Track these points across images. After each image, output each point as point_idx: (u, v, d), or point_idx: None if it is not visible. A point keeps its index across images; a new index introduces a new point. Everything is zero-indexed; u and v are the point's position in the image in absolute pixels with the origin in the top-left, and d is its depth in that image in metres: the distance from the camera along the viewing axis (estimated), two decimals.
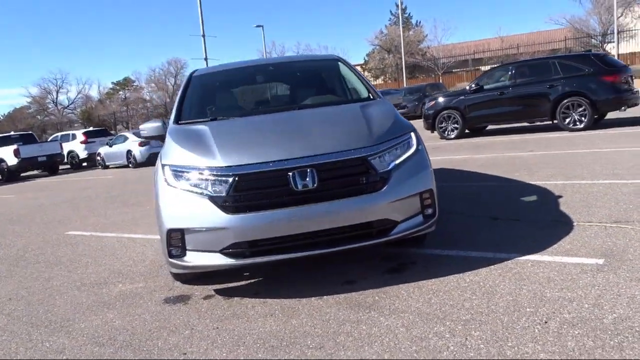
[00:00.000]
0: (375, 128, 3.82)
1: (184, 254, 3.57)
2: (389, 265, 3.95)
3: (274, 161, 3.47)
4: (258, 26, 39.51)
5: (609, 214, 4.62)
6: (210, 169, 3.52)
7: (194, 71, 5.25)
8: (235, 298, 3.66)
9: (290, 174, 3.41)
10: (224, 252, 3.46)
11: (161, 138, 4.75)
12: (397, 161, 3.65)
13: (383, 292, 3.44)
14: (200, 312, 3.48)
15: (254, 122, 4.20)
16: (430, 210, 3.74)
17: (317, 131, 3.83)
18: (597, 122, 11.87)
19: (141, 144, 18.64)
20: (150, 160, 18.57)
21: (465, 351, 2.54)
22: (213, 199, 3.43)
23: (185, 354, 2.89)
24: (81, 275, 4.78)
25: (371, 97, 4.65)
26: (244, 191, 3.42)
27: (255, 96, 5.17)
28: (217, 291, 3.85)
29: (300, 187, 3.40)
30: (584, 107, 11.59)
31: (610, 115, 12.58)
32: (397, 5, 41.56)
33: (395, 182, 3.56)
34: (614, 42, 34.96)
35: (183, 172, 3.60)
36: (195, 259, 3.54)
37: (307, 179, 3.41)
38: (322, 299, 3.44)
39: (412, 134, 3.90)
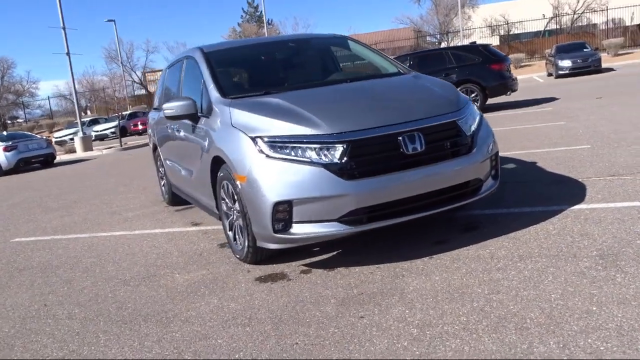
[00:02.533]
0: (449, 96, 4.00)
1: (290, 227, 3.43)
2: (459, 226, 4.16)
3: (383, 126, 3.49)
4: (109, 20, 36.90)
5: (597, 171, 5.31)
6: (318, 136, 3.42)
7: (201, 48, 4.93)
8: (339, 269, 3.60)
9: (401, 138, 3.47)
10: (342, 220, 3.39)
11: (191, 117, 4.43)
12: (474, 126, 3.87)
13: (484, 246, 3.64)
14: (318, 285, 3.37)
15: (325, 93, 4.13)
16: (494, 172, 4.03)
17: (402, 98, 3.91)
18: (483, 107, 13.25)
19: (7, 149, 16.49)
20: (18, 167, 16.55)
21: (635, 278, 2.84)
22: (328, 166, 3.35)
23: (362, 317, 2.82)
24: (108, 273, 4.27)
25: (401, 72, 4.80)
26: (359, 157, 3.39)
27: (291, 71, 5.01)
28: (310, 265, 3.74)
29: (410, 150, 3.46)
30: (476, 93, 12.89)
31: (489, 101, 14.11)
32: (249, 3, 41.65)
33: (479, 145, 3.79)
34: (451, 39, 38.86)
35: (284, 142, 3.45)
36: (305, 230, 3.42)
37: (416, 143, 3.49)
38: (434, 258, 3.54)
39: (472, 103, 4.17)
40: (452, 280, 3.13)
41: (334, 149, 3.38)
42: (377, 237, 4.08)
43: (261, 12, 50.22)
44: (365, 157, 3.41)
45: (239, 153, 3.60)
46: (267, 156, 3.44)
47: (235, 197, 3.75)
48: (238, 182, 3.61)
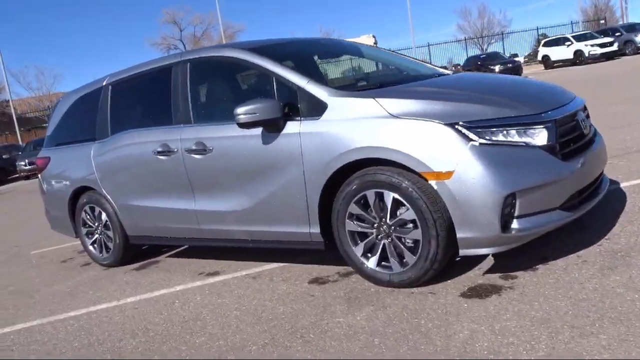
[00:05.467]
0: None
1: (511, 223, 2.94)
2: None
3: (562, 105, 3.28)
4: None
5: None
6: (524, 117, 3.04)
7: (239, 46, 3.98)
8: (539, 267, 3.19)
9: (577, 117, 3.33)
10: (563, 206, 3.03)
11: (273, 122, 3.47)
12: None
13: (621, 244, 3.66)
14: (557, 280, 2.92)
15: (449, 82, 3.74)
16: None
17: (528, 84, 3.76)
18: None
19: None
20: None
21: None
22: (544, 148, 2.99)
23: None
24: (232, 342, 2.99)
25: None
26: (562, 137, 3.12)
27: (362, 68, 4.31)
28: (491, 272, 3.23)
29: (585, 129, 3.35)
30: None
31: None
32: None
33: None
34: None
35: (491, 126, 2.96)
36: (527, 224, 2.94)
37: (585, 122, 3.41)
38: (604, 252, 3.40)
39: None
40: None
41: (542, 130, 3.02)
42: None
43: None
44: (566, 136, 3.16)
45: (431, 145, 2.94)
46: (480, 144, 2.89)
47: (407, 204, 3.04)
48: (433, 182, 2.94)
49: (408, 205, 3.05)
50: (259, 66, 3.70)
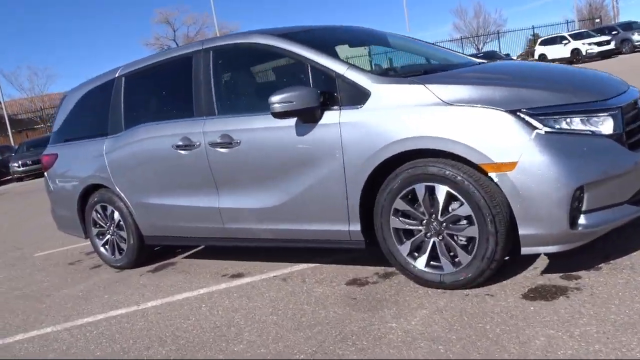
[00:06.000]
0: None
1: (578, 219, 2.70)
2: None
3: (623, 92, 3.06)
4: None
5: None
6: (592, 104, 2.82)
7: (271, 31, 3.71)
8: (602, 266, 2.96)
9: (639, 105, 3.10)
10: (632, 200, 2.81)
11: (311, 112, 3.22)
12: None
13: None
14: (615, 297, 2.70)
15: (495, 69, 3.51)
16: None
17: (577, 72, 3.53)
18: None
19: None
20: None
21: None
22: (613, 138, 2.76)
23: None
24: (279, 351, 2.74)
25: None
26: (627, 125, 2.89)
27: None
28: (549, 272, 3.00)
29: None
30: None
31: None
32: None
33: None
34: None
35: (555, 112, 2.73)
36: (594, 220, 2.72)
37: None
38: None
39: None
40: None
41: (607, 118, 2.79)
42: None
43: None
44: (629, 125, 2.92)
45: (491, 134, 2.70)
46: (546, 132, 2.66)
47: (461, 198, 2.81)
48: (493, 174, 2.70)
49: (463, 199, 2.81)
50: (291, 53, 3.45)
